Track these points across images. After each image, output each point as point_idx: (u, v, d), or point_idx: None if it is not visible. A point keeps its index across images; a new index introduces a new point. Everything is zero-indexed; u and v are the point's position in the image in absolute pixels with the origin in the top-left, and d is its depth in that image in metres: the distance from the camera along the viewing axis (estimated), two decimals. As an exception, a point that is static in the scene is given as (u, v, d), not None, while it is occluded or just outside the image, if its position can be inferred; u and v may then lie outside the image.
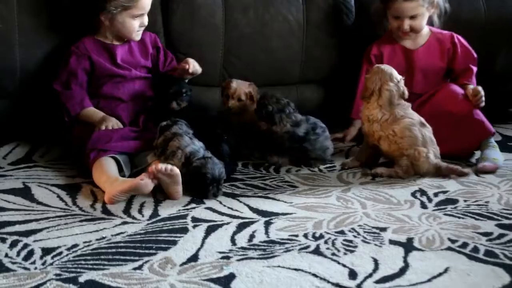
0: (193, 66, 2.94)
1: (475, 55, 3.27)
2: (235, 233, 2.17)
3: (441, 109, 3.06)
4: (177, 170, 2.44)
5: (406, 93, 2.83)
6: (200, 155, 2.56)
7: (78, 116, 2.82)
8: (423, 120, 2.83)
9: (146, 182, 2.40)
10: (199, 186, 2.50)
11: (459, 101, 3.05)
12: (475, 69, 3.26)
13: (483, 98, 3.06)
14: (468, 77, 3.23)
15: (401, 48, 3.27)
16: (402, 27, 3.16)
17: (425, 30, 3.28)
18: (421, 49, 3.26)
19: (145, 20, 2.88)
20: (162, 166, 2.41)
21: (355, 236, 2.15)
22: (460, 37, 3.27)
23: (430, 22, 3.28)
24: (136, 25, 2.86)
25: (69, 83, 2.83)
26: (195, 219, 2.28)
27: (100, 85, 2.88)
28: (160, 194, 2.48)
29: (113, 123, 2.76)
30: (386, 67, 2.85)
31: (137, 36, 2.92)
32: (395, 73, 2.84)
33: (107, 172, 2.53)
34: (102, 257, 1.96)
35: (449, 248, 2.07)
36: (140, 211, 2.35)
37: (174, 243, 2.08)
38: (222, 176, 2.53)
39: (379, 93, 2.81)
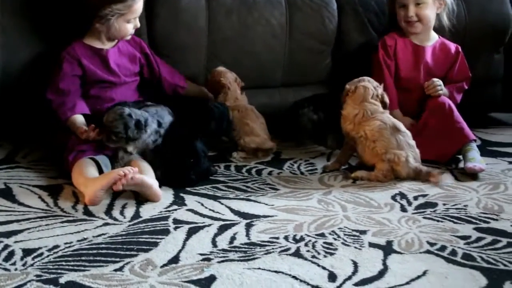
0: None
1: (470, 75, 3.35)
2: (216, 235, 2.18)
3: (425, 117, 3.13)
4: (138, 177, 2.43)
5: (387, 100, 2.88)
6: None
7: (67, 121, 2.74)
8: (397, 124, 2.84)
9: (115, 186, 2.39)
10: None
11: (441, 109, 3.10)
12: (466, 86, 3.35)
13: (438, 88, 3.17)
14: (455, 87, 3.30)
15: (411, 43, 3.32)
16: (407, 14, 3.22)
17: (434, 34, 3.35)
18: (429, 48, 3.32)
19: (138, 22, 2.88)
20: (122, 171, 2.39)
21: (335, 239, 2.17)
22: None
23: (440, 24, 3.35)
24: (130, 28, 2.86)
25: (63, 89, 2.77)
26: (176, 221, 2.29)
27: (87, 88, 2.86)
28: (142, 196, 2.48)
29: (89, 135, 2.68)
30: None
31: (129, 36, 2.93)
32: (375, 82, 2.90)
33: (86, 173, 2.52)
34: (83, 258, 1.97)
35: (427, 251, 2.10)
36: (121, 213, 2.35)
37: (155, 244, 2.08)
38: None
39: (354, 90, 2.86)
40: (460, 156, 3.03)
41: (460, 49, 3.37)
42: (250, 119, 3.14)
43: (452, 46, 3.37)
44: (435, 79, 3.20)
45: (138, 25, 2.89)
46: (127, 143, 2.63)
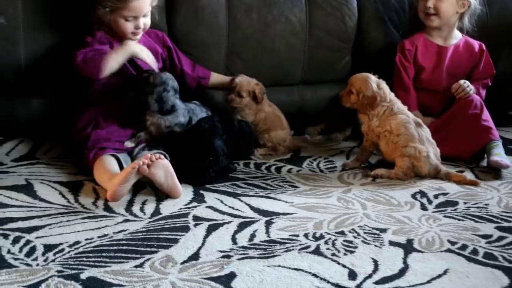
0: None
1: (494, 71, 3.35)
2: (236, 232, 2.18)
3: (452, 113, 3.13)
4: (166, 161, 2.45)
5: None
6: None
7: (108, 56, 2.67)
8: (419, 120, 2.87)
9: (141, 166, 2.38)
10: None
11: (472, 106, 3.09)
12: (490, 83, 3.36)
13: (467, 89, 3.14)
14: (481, 83, 3.29)
15: (433, 44, 3.31)
16: (426, 5, 3.21)
17: (457, 33, 3.35)
18: (452, 47, 3.31)
19: (141, 23, 2.81)
20: (149, 154, 2.43)
21: (355, 237, 2.17)
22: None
23: (460, 28, 3.34)
24: (129, 27, 2.80)
25: (100, 48, 2.76)
26: (196, 218, 2.29)
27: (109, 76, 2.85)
28: (162, 192, 2.49)
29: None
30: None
31: (134, 37, 2.85)
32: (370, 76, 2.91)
33: (109, 170, 2.53)
34: (104, 254, 1.98)
35: (448, 250, 2.09)
36: (142, 209, 2.36)
37: (176, 241, 2.09)
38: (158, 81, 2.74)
39: (381, 89, 2.86)
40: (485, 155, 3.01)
41: (484, 47, 3.35)
42: (279, 112, 3.17)
43: (476, 44, 3.36)
44: (461, 81, 3.17)
45: (141, 26, 2.81)
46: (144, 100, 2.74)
